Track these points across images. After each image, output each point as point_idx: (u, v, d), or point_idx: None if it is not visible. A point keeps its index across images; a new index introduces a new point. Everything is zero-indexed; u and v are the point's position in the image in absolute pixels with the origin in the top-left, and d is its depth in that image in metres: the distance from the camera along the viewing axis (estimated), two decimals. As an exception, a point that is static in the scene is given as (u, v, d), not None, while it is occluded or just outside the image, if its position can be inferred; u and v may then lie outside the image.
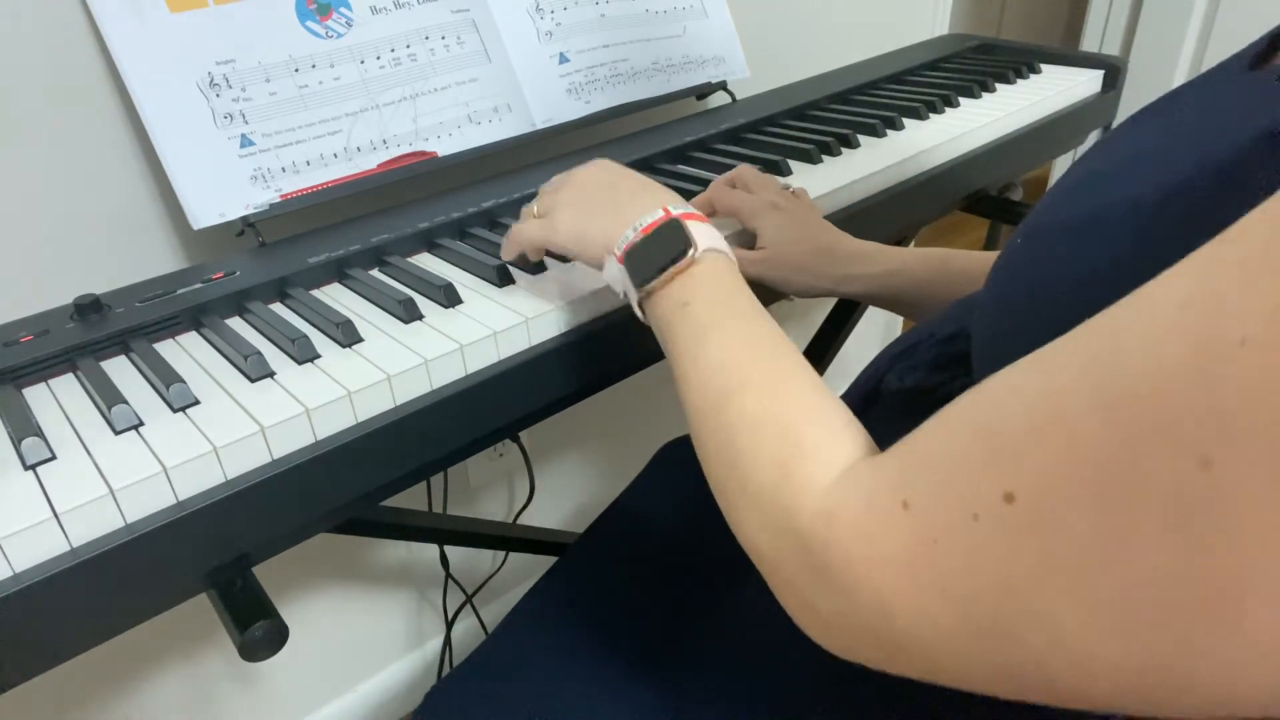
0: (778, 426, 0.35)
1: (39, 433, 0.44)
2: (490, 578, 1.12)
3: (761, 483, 0.34)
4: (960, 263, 0.60)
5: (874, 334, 1.60)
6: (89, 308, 0.55)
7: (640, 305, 0.44)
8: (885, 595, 0.28)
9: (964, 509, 0.26)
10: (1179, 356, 0.21)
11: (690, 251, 0.42)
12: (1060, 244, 0.32)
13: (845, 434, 0.34)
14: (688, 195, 0.69)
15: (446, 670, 1.11)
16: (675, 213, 0.44)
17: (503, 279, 0.59)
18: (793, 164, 0.77)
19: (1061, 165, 2.00)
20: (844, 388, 0.57)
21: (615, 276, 0.46)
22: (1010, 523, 0.25)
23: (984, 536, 0.26)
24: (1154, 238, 0.28)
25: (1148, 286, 0.24)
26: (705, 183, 0.71)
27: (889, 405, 0.47)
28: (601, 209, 0.48)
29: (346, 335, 0.52)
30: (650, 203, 0.46)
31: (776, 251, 0.62)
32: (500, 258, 0.58)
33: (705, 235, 0.43)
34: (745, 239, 0.66)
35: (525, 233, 0.52)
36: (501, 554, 1.14)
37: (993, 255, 0.58)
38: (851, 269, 0.62)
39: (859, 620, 0.30)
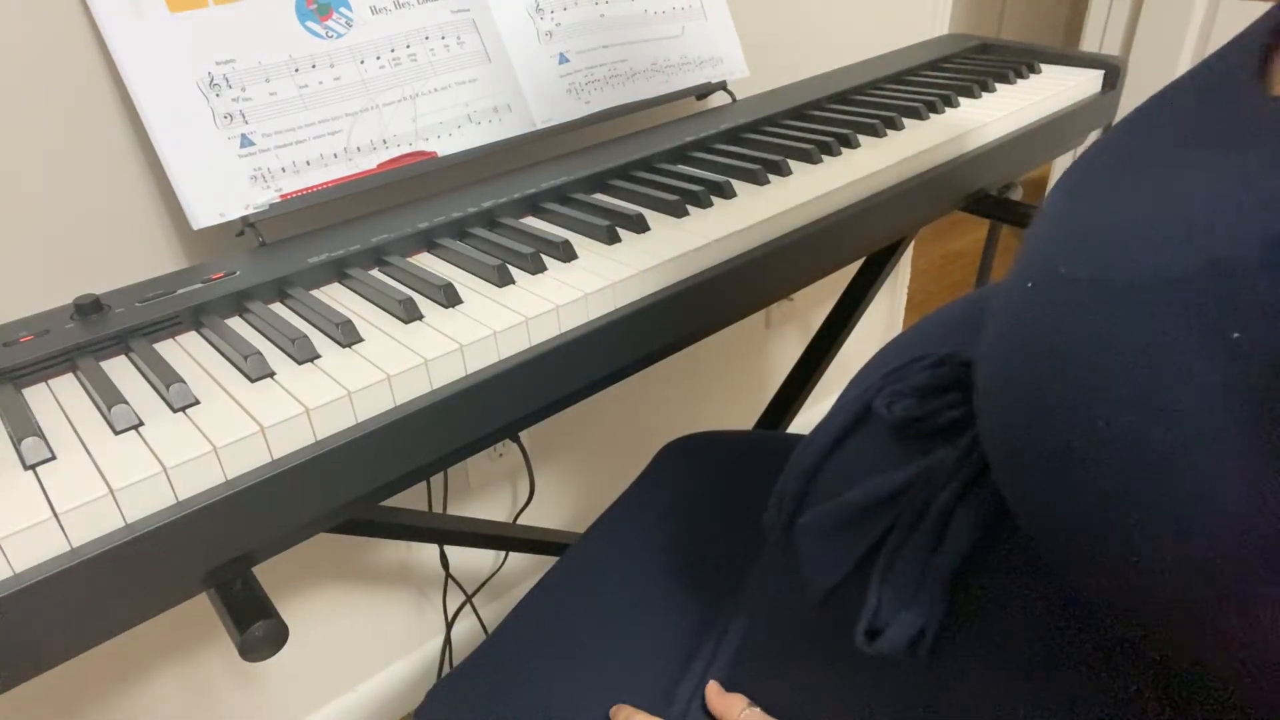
0: None
1: (39, 433, 0.44)
2: (490, 578, 1.12)
3: None
4: None
5: (874, 334, 1.60)
6: (89, 308, 0.55)
7: None
8: None
9: None
10: None
11: None
12: (1067, 294, 0.30)
13: None
14: (687, 194, 0.69)
15: (446, 670, 1.11)
16: None
17: (502, 279, 0.59)
18: (792, 164, 0.77)
19: (1061, 165, 2.00)
20: (842, 389, 0.56)
21: None
22: None
23: None
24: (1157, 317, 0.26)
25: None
26: (705, 183, 0.71)
27: (879, 427, 0.45)
28: None
29: (346, 335, 0.52)
30: None
31: None
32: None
33: None
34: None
35: None
36: (501, 554, 1.14)
37: None
38: None
39: None
